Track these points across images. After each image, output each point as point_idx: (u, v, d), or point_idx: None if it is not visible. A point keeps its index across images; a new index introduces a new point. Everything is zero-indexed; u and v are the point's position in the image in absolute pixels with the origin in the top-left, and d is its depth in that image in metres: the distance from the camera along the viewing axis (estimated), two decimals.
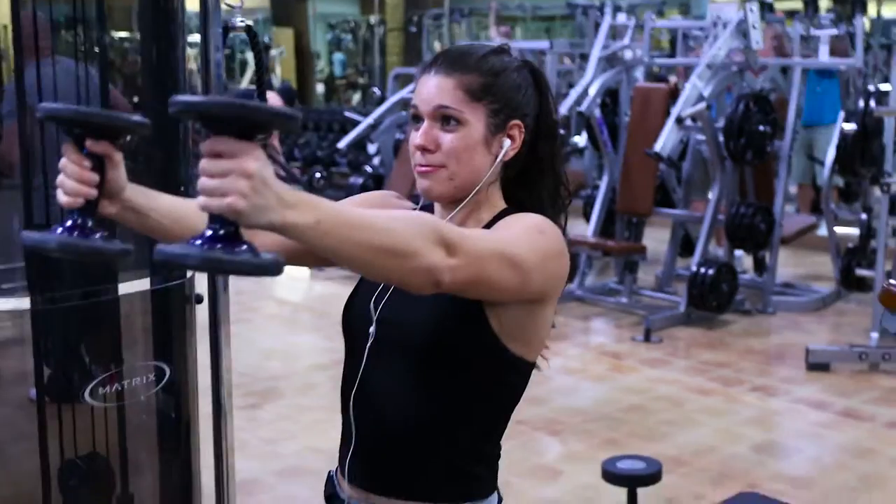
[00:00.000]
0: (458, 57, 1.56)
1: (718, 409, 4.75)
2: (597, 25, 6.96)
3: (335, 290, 7.13)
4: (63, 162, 1.32)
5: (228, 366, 2.69)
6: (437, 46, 15.42)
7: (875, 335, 5.46)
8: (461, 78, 1.53)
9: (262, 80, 2.72)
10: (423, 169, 1.54)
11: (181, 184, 2.43)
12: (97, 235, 1.34)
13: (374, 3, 15.60)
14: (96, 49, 2.30)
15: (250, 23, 2.60)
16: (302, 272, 7.28)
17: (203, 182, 1.08)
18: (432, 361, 1.53)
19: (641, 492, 3.18)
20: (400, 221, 1.29)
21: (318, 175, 7.20)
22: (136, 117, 1.38)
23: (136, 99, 2.54)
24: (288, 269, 1.27)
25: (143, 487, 2.52)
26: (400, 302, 1.55)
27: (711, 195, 6.43)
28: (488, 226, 1.56)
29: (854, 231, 6.94)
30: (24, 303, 2.30)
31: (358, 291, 1.67)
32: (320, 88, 18.81)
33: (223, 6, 2.55)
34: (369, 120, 7.67)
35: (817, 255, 7.55)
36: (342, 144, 7.61)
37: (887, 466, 4.12)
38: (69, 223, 1.33)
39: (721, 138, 6.09)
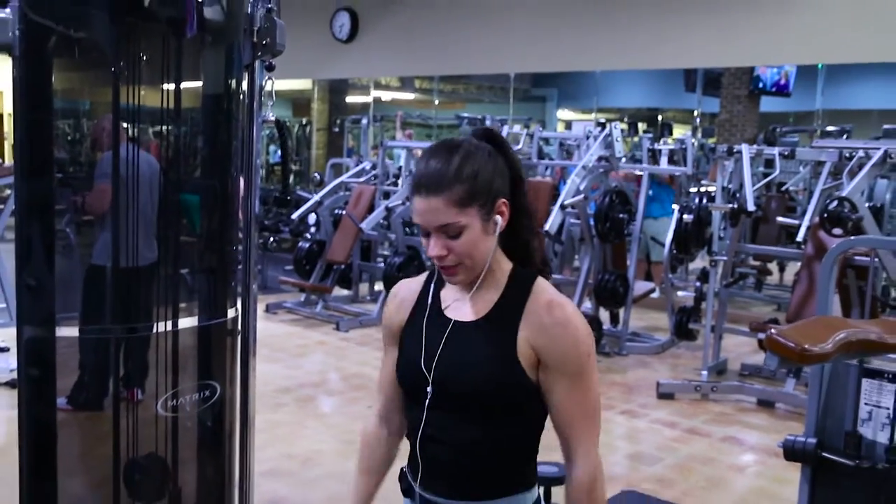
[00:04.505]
0: (437, 178, 1.44)
1: None
2: None
3: (287, 329, 7.03)
4: None
5: (254, 385, 2.68)
6: (350, 142, 15.51)
7: (705, 373, 5.68)
8: (447, 195, 1.43)
9: (287, 167, 2.72)
10: (448, 271, 1.50)
11: (230, 243, 2.40)
12: None
13: (310, 108, 15.62)
14: (170, 139, 2.28)
15: (280, 118, 2.60)
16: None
17: None
18: (487, 405, 1.51)
19: (555, 489, 3.25)
20: None
21: (271, 239, 7.15)
22: None
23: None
24: None
25: (188, 482, 2.47)
26: (450, 362, 1.52)
27: (582, 265, 6.62)
28: (507, 290, 1.51)
29: (680, 293, 7.22)
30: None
31: (405, 354, 1.60)
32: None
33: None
34: (316, 198, 7.66)
35: (652, 312, 7.81)
36: (295, 216, 7.57)
37: (725, 471, 4.27)
38: None
39: (592, 222, 6.31)
